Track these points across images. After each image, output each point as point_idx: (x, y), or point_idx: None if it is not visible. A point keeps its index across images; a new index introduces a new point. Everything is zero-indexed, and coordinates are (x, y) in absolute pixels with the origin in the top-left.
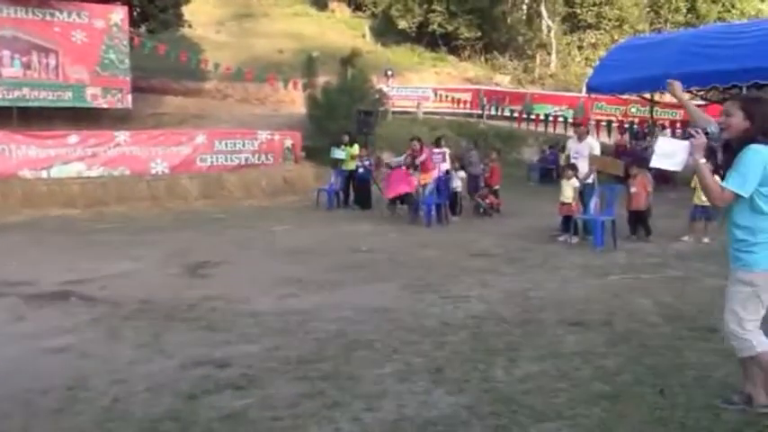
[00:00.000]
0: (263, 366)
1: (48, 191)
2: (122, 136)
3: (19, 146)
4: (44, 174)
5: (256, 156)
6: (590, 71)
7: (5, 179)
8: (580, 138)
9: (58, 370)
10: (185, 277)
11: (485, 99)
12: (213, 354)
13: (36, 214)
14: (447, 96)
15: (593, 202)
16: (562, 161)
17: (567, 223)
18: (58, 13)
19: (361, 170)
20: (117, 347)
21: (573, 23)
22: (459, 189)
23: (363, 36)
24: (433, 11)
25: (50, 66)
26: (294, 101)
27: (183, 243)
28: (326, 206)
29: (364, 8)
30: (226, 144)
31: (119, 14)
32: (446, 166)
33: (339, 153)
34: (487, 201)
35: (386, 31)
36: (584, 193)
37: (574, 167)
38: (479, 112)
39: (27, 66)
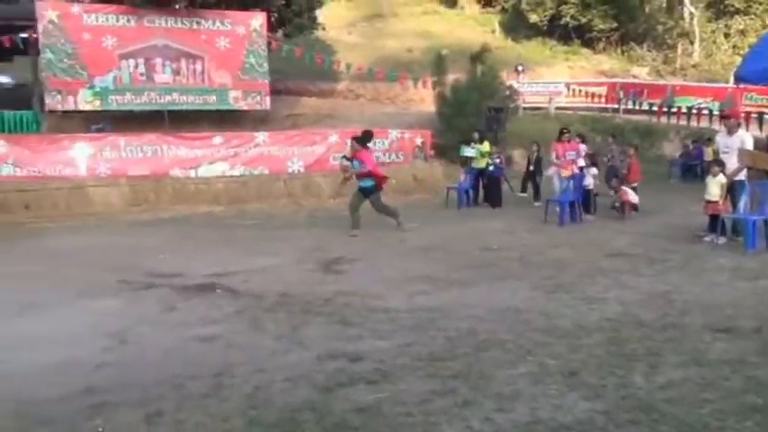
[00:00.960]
0: (395, 362)
1: (195, 189)
2: (261, 136)
3: (170, 147)
4: (192, 173)
5: (387, 154)
6: (738, 60)
7: (159, 178)
8: (730, 131)
9: (206, 357)
10: (320, 273)
11: (621, 92)
12: (347, 347)
13: (185, 211)
14: (580, 91)
15: (743, 201)
16: (708, 156)
17: (714, 223)
18: (203, 22)
19: (491, 168)
20: (259, 338)
21: (718, 9)
22: (591, 186)
23: (493, 32)
24: (566, 3)
25: (197, 71)
26: (423, 99)
27: (317, 240)
28: (457, 204)
29: (494, 3)
30: None
31: (258, 20)
32: (581, 163)
33: (469, 151)
34: (622, 198)
35: (516, 25)
36: (733, 191)
37: (720, 163)
38: (615, 105)
39: (177, 72)
